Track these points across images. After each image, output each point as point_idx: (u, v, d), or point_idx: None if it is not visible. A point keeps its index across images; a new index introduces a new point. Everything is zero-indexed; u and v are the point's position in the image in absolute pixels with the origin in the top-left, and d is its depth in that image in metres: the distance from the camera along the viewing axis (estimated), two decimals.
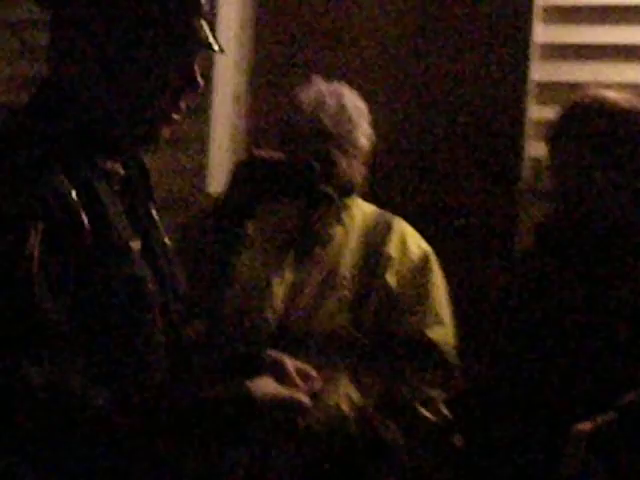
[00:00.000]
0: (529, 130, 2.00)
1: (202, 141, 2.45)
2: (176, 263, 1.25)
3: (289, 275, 1.81)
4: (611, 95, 1.58)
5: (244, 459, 1.64)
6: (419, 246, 1.84)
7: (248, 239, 1.78)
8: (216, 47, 1.06)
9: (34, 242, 0.93)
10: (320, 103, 1.83)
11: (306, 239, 1.84)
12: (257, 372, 1.17)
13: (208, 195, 2.08)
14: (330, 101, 1.83)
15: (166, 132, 1.09)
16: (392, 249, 1.83)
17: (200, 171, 2.35)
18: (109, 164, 1.07)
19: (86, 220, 0.96)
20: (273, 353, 1.29)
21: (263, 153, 1.77)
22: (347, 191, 1.86)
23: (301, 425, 1.20)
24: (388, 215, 1.89)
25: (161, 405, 0.98)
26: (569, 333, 1.59)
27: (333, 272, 1.83)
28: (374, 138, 1.85)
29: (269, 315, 1.77)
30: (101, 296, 0.99)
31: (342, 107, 1.83)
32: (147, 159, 2.58)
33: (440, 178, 2.13)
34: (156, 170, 2.37)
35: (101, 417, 0.90)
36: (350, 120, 1.84)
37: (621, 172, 1.59)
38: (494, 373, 1.76)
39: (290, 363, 1.23)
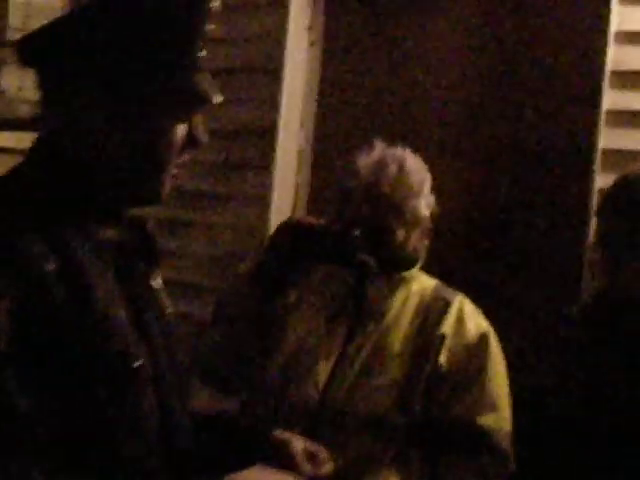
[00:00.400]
0: (596, 199, 1.98)
1: (264, 197, 2.49)
2: (176, 334, 1.18)
3: (337, 349, 1.75)
4: None
5: None
6: (478, 325, 1.79)
7: (291, 307, 1.77)
8: (217, 99, 1.03)
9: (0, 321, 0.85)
10: (379, 168, 1.78)
11: (358, 312, 1.77)
12: (261, 451, 1.18)
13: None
14: (390, 166, 1.78)
15: (166, 189, 1.04)
16: (447, 328, 1.78)
17: (262, 227, 2.38)
18: (100, 230, 1.01)
19: (62, 293, 0.89)
20: (280, 433, 1.25)
21: (302, 218, 1.83)
22: (406, 264, 1.80)
23: None
24: (449, 292, 1.83)
25: None
26: (610, 420, 1.55)
27: (383, 349, 1.78)
28: (437, 208, 1.81)
29: (311, 390, 1.71)
30: (80, 379, 0.91)
31: (403, 173, 1.77)
32: (205, 214, 2.68)
33: (504, 248, 2.15)
34: (218, 225, 2.48)
35: None
36: (411, 187, 1.77)
37: None
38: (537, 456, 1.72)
39: (298, 444, 1.20)
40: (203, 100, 1.01)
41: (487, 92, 2.32)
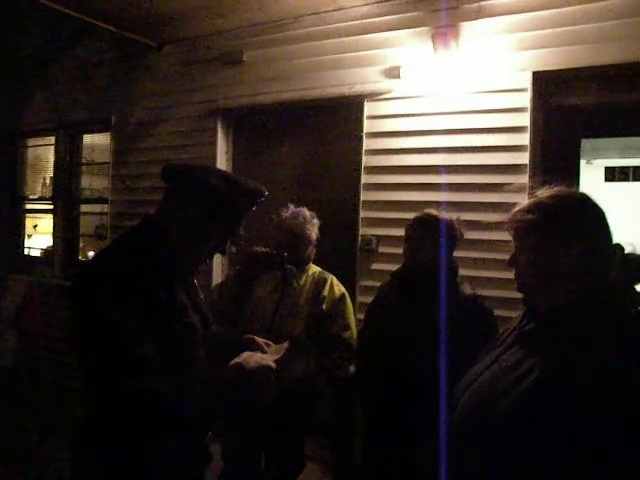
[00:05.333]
0: (360, 222, 3.53)
1: None
2: (208, 311, 1.61)
3: (274, 304, 2.34)
4: (434, 212, 2.27)
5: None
6: (339, 290, 2.54)
7: (255, 288, 2.44)
8: (241, 240, 1.54)
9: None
10: (293, 219, 2.47)
11: (284, 287, 2.39)
12: (239, 347, 1.55)
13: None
14: (299, 217, 2.49)
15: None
16: (326, 292, 2.48)
17: None
18: (179, 281, 1.49)
19: (165, 301, 1.35)
20: (248, 336, 1.67)
21: (258, 249, 2.34)
22: (306, 262, 2.56)
23: (273, 379, 1.42)
24: (326, 273, 2.57)
25: (203, 386, 1.34)
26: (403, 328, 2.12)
27: (296, 304, 2.44)
28: (319, 234, 2.62)
29: (263, 323, 2.30)
30: (171, 331, 1.36)
31: (305, 221, 2.50)
32: None
33: (339, 246, 3.12)
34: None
35: (176, 402, 1.26)
36: (308, 227, 2.49)
37: (438, 248, 2.14)
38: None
39: (259, 339, 1.65)
40: (238, 236, 1.53)
41: (306, 177, 3.84)
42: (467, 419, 1.25)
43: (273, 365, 1.42)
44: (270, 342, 1.65)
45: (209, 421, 1.42)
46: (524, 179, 3.10)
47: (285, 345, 1.60)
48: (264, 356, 1.49)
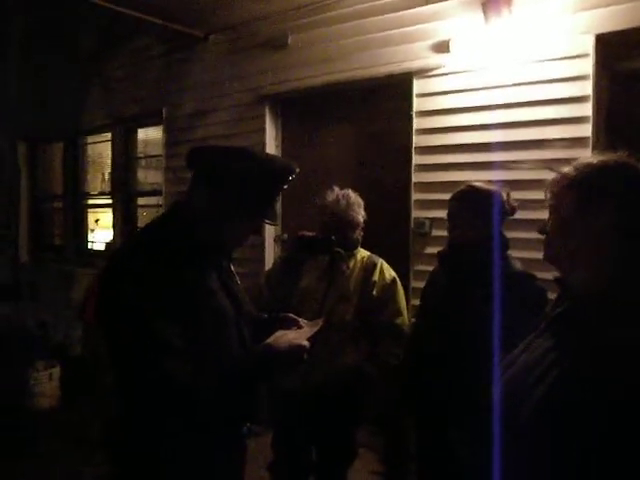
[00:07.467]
0: (412, 204, 3.41)
1: None
2: (243, 297, 1.53)
3: (323, 291, 2.25)
4: (477, 184, 2.09)
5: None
6: (390, 274, 2.39)
7: (302, 275, 2.31)
8: (276, 221, 1.68)
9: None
10: (337, 202, 2.35)
11: (332, 272, 2.31)
12: (280, 324, 1.53)
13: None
14: (342, 201, 2.35)
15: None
16: (376, 277, 2.34)
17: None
18: (216, 261, 1.45)
19: (199, 289, 1.32)
20: (282, 314, 1.61)
21: (305, 232, 2.20)
22: (353, 247, 2.42)
23: (305, 359, 1.36)
24: (375, 257, 2.42)
25: (232, 371, 1.28)
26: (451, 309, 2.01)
27: (346, 289, 2.32)
28: (366, 217, 2.45)
29: (312, 310, 2.13)
30: (199, 319, 1.30)
31: (350, 203, 2.36)
32: None
33: (387, 230, 3.16)
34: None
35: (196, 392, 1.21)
36: (354, 210, 2.36)
37: (481, 222, 1.99)
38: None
39: (293, 315, 1.59)
40: (271, 219, 1.45)
41: (356, 160, 3.74)
42: (496, 410, 1.13)
43: (306, 344, 1.36)
44: (303, 320, 1.59)
45: (233, 406, 1.34)
46: (587, 153, 2.86)
47: (320, 321, 1.55)
48: (297, 334, 1.43)
